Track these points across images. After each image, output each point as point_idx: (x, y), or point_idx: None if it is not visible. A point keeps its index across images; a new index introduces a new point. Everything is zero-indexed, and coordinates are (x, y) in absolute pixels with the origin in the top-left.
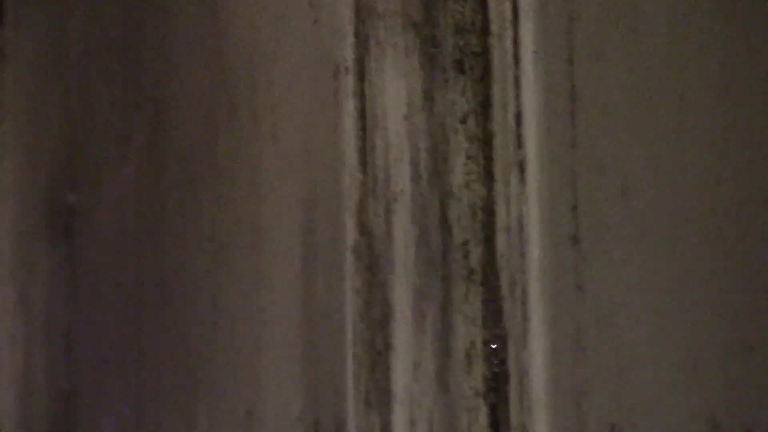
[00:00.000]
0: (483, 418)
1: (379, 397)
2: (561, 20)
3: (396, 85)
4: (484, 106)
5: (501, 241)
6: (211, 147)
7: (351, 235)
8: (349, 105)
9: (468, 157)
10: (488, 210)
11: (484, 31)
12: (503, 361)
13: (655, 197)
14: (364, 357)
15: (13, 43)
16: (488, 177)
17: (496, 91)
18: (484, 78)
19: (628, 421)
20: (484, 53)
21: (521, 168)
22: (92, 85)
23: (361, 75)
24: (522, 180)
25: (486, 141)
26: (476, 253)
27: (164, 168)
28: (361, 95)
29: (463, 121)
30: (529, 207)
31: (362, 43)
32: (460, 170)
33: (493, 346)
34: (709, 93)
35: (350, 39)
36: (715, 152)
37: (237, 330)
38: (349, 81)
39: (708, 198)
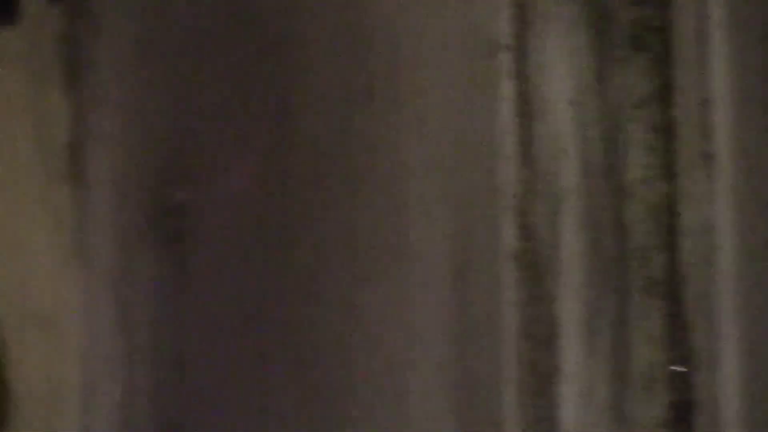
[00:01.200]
0: None
1: (543, 428)
2: None
3: (562, 65)
4: (665, 89)
5: (685, 246)
6: (346, 137)
7: (510, 239)
8: (507, 88)
9: (646, 149)
10: (670, 210)
11: (665, 2)
12: (689, 387)
13: None
14: (525, 382)
15: (109, 15)
16: (670, 172)
17: (678, 72)
18: (665, 57)
19: None
20: (665, 28)
21: (709, 161)
22: (206, 65)
23: (520, 53)
24: (710, 175)
25: (667, 130)
26: (657, 260)
27: (291, 161)
28: (520, 76)
29: (641, 107)
30: (718, 207)
31: (522, 16)
32: (637, 164)
33: (678, 370)
34: None
35: (508, 11)
36: None
37: (376, 349)
38: (506, 60)
39: None
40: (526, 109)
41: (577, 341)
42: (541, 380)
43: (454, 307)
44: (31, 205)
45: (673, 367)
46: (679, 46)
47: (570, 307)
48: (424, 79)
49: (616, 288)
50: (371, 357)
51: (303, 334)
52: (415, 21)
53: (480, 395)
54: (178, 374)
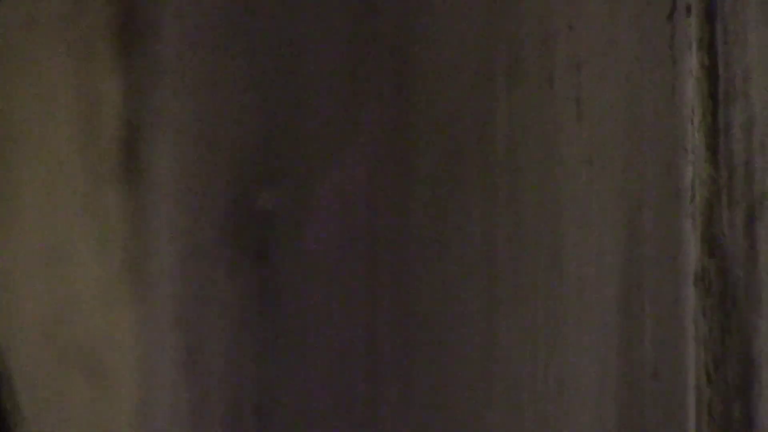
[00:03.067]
0: None
1: None
2: None
3: (762, 33)
4: None
5: None
6: (484, 123)
7: (694, 254)
8: (692, 60)
9: None
10: None
11: None
12: None
13: None
14: None
15: None
16: None
17: None
18: None
19: None
20: None
21: None
22: (300, 41)
23: (709, 16)
24: None
25: None
26: None
27: (412, 156)
28: (709, 46)
29: None
30: None
31: None
32: None
33: None
34: None
35: None
36: None
37: (523, 393)
38: (691, 25)
39: None
40: (717, 89)
41: None
42: None
43: (620, 338)
44: (72, 213)
45: None
46: None
47: None
48: (584, 48)
49: None
50: (515, 407)
51: (427, 374)
52: None
53: None
54: (260, 430)
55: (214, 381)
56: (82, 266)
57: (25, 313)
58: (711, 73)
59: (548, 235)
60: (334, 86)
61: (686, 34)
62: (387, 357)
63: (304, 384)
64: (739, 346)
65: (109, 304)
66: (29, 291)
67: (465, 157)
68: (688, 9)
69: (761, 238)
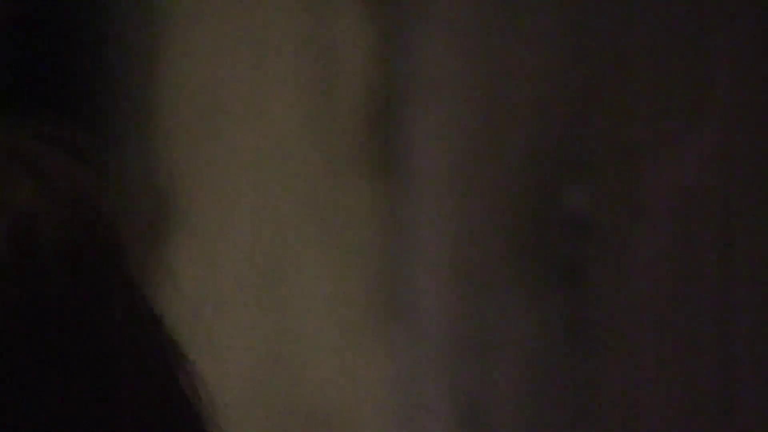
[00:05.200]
0: None
1: None
2: None
3: None
4: None
5: None
6: None
7: None
8: None
9: None
10: None
11: None
12: None
13: None
14: None
15: None
16: None
17: None
18: None
19: None
20: None
21: None
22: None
23: None
24: None
25: None
26: None
27: None
28: None
29: None
30: None
31: None
32: None
33: None
34: None
35: None
36: None
37: None
38: None
39: None
40: None
41: None
42: None
43: None
44: (296, 212)
45: None
46: None
47: None
48: None
49: None
50: None
51: None
52: None
53: None
54: None
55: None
56: (309, 286)
57: (234, 353)
58: None
59: None
60: (669, 61)
61: None
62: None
63: None
64: None
65: (348, 340)
66: (240, 321)
67: None
68: None
69: None
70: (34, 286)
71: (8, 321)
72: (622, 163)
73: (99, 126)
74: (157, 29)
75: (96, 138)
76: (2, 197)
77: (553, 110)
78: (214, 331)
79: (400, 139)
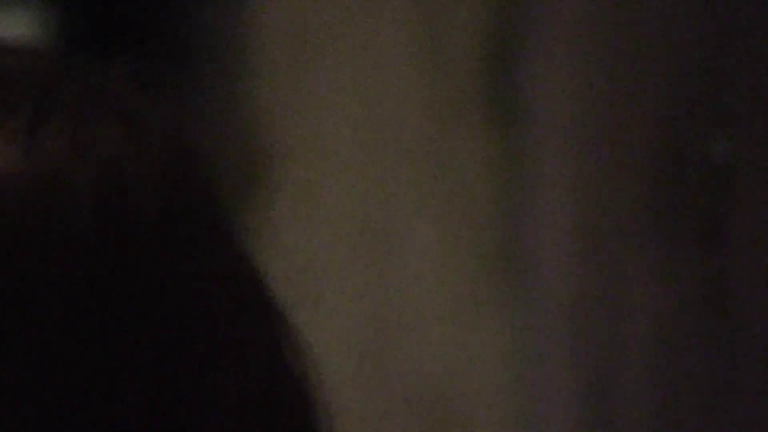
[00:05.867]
0: None
1: None
2: None
3: None
4: None
5: None
6: None
7: None
8: None
9: None
10: None
11: None
12: None
13: None
14: None
15: None
16: None
17: None
18: None
19: None
20: None
21: None
22: None
23: None
24: None
25: None
26: None
27: None
28: None
29: None
30: None
31: None
32: None
33: None
34: None
35: None
36: None
37: None
38: None
39: None
40: None
41: None
42: None
43: None
44: (406, 167)
45: None
46: None
47: None
48: None
49: None
50: None
51: None
52: None
53: None
54: None
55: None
56: (419, 249)
57: (338, 320)
58: None
59: None
60: None
61: None
62: None
63: None
64: None
65: (461, 309)
66: (342, 285)
67: None
68: None
69: None
70: (123, 237)
71: (96, 273)
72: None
73: (188, 68)
74: None
75: (187, 80)
76: (88, 142)
77: (692, 53)
78: (314, 296)
79: (519, 86)
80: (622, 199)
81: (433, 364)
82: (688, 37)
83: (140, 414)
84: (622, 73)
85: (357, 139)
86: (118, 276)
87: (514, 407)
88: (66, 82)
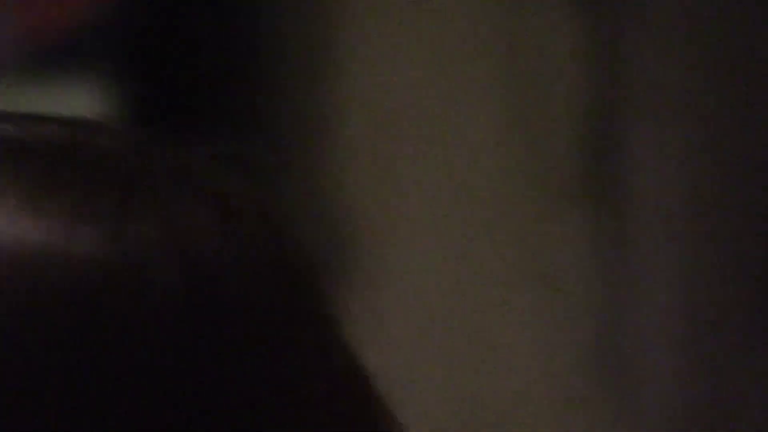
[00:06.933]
0: None
1: None
2: None
3: None
4: None
5: None
6: None
7: None
8: None
9: None
10: None
11: None
12: None
13: None
14: None
15: None
16: None
17: None
18: None
19: None
20: None
21: None
22: None
23: None
24: None
25: None
26: None
27: None
28: None
29: None
30: None
31: None
32: None
33: None
34: None
35: None
36: None
37: None
38: None
39: None
40: None
41: None
42: None
43: None
44: (507, 250)
45: None
46: None
47: None
48: None
49: None
50: None
51: None
52: None
53: None
54: None
55: None
56: (513, 335)
57: (429, 408)
58: None
59: None
60: None
61: None
62: None
63: None
64: None
65: (558, 402)
66: (436, 371)
67: None
68: None
69: None
70: (215, 328)
71: (186, 367)
72: None
73: (270, 145)
74: (326, 29)
75: (270, 159)
76: (177, 226)
77: None
78: (409, 382)
79: (618, 158)
80: (736, 286)
81: None
82: None
83: None
84: (729, 142)
85: (449, 221)
86: (209, 370)
87: None
88: (151, 162)
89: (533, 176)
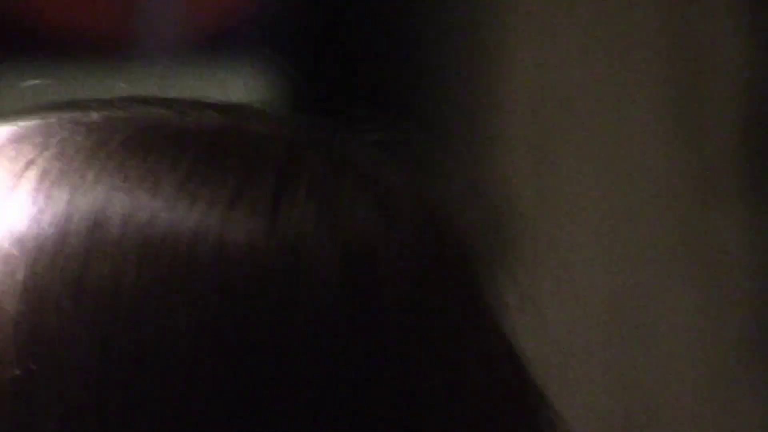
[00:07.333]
0: None
1: None
2: None
3: None
4: None
5: None
6: None
7: None
8: None
9: None
10: None
11: None
12: None
13: None
14: None
15: None
16: None
17: None
18: None
19: None
20: None
21: None
22: None
23: None
24: None
25: None
26: None
27: None
28: None
29: None
30: None
31: None
32: None
33: None
34: None
35: None
36: None
37: None
38: None
39: None
40: None
41: None
42: None
43: None
44: (668, 244)
45: None
46: None
47: None
48: None
49: None
50: None
51: None
52: None
53: None
54: None
55: None
56: (672, 326)
57: (588, 394)
58: None
59: None
60: None
61: None
62: None
63: None
64: None
65: (717, 388)
66: (593, 359)
67: None
68: None
69: None
70: (373, 315)
71: (343, 354)
72: None
73: (432, 133)
74: (491, 23)
75: (432, 146)
76: (335, 214)
77: None
78: (565, 371)
79: None
80: None
81: None
82: None
83: None
84: None
85: (611, 214)
86: (366, 357)
87: None
88: (310, 150)
89: (696, 170)
